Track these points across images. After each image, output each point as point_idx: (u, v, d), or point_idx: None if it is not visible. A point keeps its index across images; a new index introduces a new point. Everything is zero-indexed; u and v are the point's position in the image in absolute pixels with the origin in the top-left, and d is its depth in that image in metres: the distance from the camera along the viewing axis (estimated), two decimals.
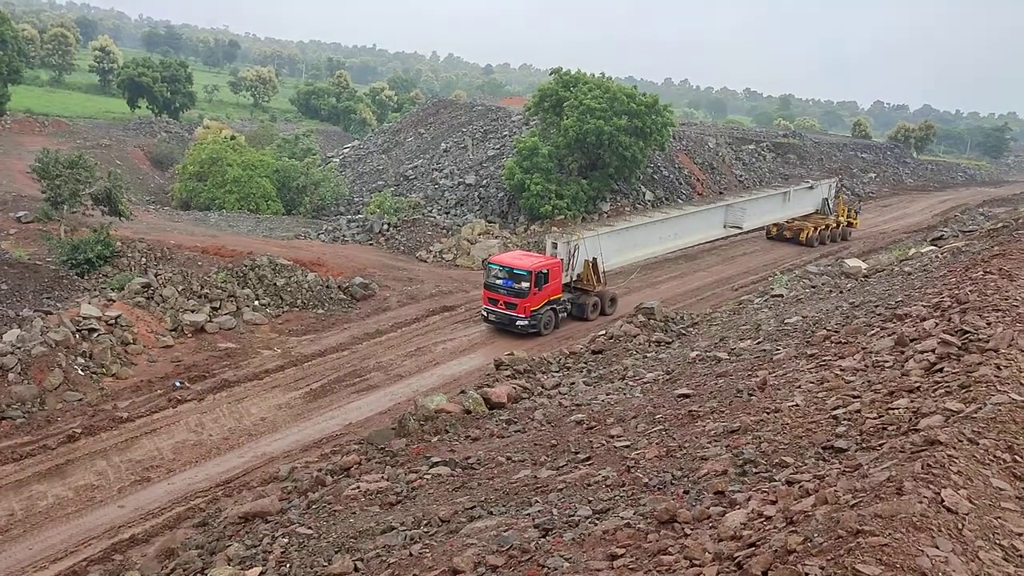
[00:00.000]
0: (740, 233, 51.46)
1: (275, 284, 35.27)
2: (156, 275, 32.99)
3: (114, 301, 30.47)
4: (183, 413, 25.04)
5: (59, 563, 17.57)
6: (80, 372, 25.87)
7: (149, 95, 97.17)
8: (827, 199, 59.35)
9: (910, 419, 8.69)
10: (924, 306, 14.68)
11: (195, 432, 24.04)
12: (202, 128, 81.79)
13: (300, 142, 76.50)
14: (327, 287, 36.74)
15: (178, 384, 26.74)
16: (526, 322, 33.72)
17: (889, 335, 13.48)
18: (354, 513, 11.91)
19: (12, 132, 76.39)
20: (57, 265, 35.78)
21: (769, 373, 13.96)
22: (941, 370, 10.36)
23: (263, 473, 21.42)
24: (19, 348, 24.99)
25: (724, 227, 48.81)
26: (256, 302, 34.08)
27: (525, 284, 33.48)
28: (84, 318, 27.62)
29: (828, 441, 9.14)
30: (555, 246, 36.29)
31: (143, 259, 38.01)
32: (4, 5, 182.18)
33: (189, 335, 30.61)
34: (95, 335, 27.24)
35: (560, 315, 35.49)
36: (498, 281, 34.19)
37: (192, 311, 31.50)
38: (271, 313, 33.91)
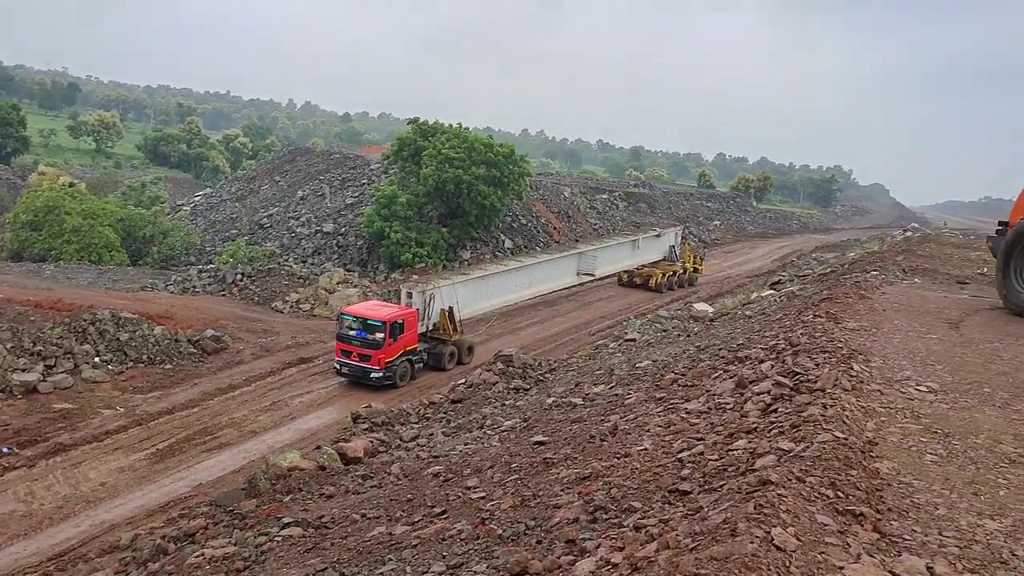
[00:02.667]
0: (593, 280, 52.98)
1: (118, 339, 33.37)
2: None
3: None
4: (11, 482, 23.09)
5: None
6: None
7: None
8: (674, 246, 62.23)
9: (747, 460, 9.10)
10: (762, 348, 15.49)
11: (24, 502, 22.19)
12: (37, 175, 77.05)
13: (147, 190, 73.37)
14: (176, 341, 35.10)
15: (5, 450, 24.67)
16: (380, 374, 33.13)
17: (731, 377, 14.12)
18: None
19: None
20: None
21: (621, 418, 14.30)
22: (776, 411, 10.92)
23: (102, 543, 19.97)
24: None
25: (577, 274, 50.17)
26: (97, 358, 32.12)
27: (379, 335, 32.99)
28: None
29: (674, 484, 9.42)
30: (410, 295, 36.07)
31: None
32: None
33: (19, 396, 28.38)
34: None
35: (416, 366, 35.13)
36: (351, 332, 33.54)
37: (23, 370, 29.30)
38: (113, 370, 32.03)
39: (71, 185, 66.42)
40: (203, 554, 12.12)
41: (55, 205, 57.37)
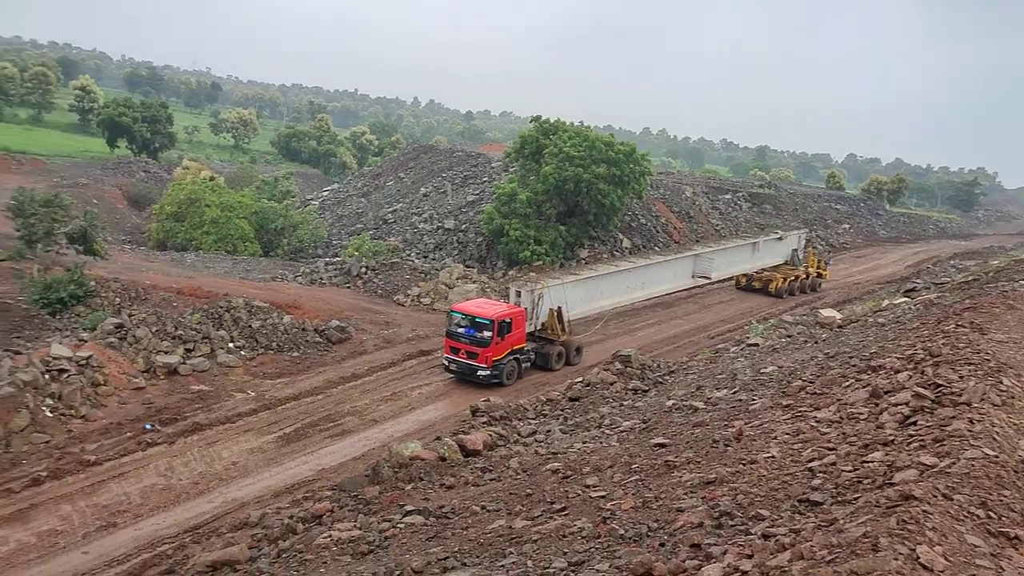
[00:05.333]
0: (710, 283, 51.65)
1: (250, 326, 34.97)
2: (130, 315, 32.59)
3: (86, 341, 30.04)
4: (152, 457, 24.59)
5: None
6: (48, 413, 25.36)
7: (129, 135, 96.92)
8: (796, 250, 59.92)
9: (885, 473, 8.71)
10: (898, 358, 14.80)
11: (164, 476, 23.59)
12: (181, 168, 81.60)
13: (279, 184, 76.56)
14: (303, 330, 36.45)
15: (149, 427, 26.28)
16: (488, 372, 33.13)
17: (863, 387, 13.56)
18: (325, 563, 11.69)
19: None
20: (29, 304, 35.27)
21: (745, 423, 13.95)
22: (915, 423, 10.41)
23: (233, 519, 20.99)
24: None
25: (692, 277, 48.93)
26: (231, 344, 33.74)
27: (487, 333, 32.96)
28: (54, 358, 27.17)
29: (804, 494, 9.12)
30: (519, 294, 35.96)
31: (117, 299, 37.54)
32: None
33: (161, 377, 30.18)
34: (65, 376, 26.77)
35: (523, 365, 34.94)
36: (460, 329, 33.70)
37: (165, 352, 31.12)
38: (245, 355, 33.57)
39: (211, 179, 70.01)
40: (330, 536, 12.56)
41: (196, 198, 60.70)
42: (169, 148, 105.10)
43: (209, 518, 21.46)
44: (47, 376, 26.33)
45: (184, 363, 31.10)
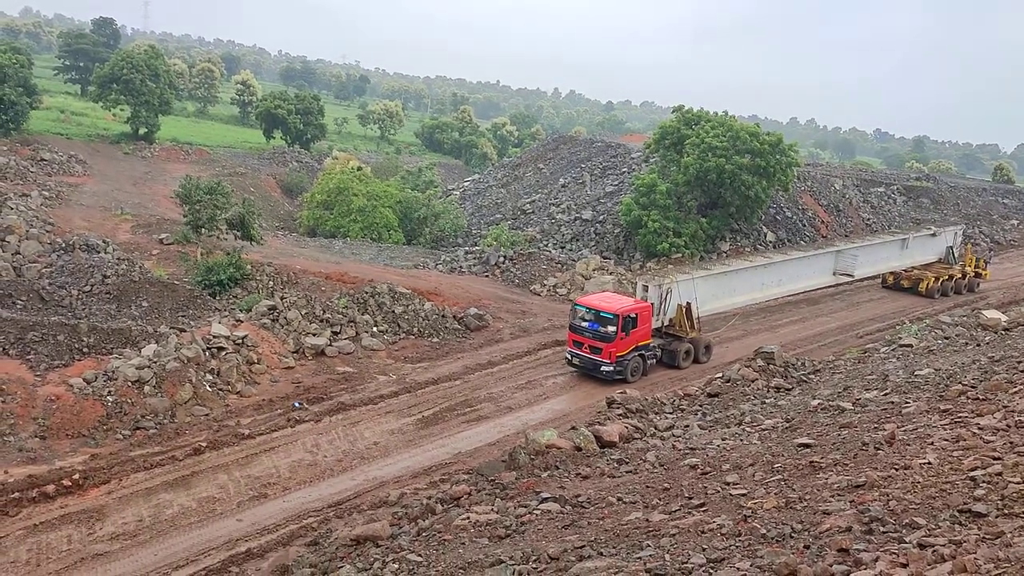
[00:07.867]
0: (853, 281, 48.95)
1: (393, 312, 36.13)
2: (282, 298, 34.36)
3: (242, 322, 31.89)
4: (300, 433, 25.88)
5: (180, 571, 18.39)
6: (208, 388, 27.16)
7: (283, 126, 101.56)
8: (951, 247, 55.93)
9: None
10: None
11: (311, 452, 24.78)
12: (331, 159, 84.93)
13: (423, 174, 78.49)
14: (443, 316, 37.34)
15: (297, 405, 27.67)
16: (611, 368, 32.38)
17: None
18: (463, 544, 11.96)
19: (159, 159, 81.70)
20: (192, 285, 37.71)
21: (898, 427, 13.25)
22: None
23: (373, 497, 21.88)
24: (155, 363, 26.47)
25: (834, 274, 46.48)
26: (374, 328, 34.97)
27: (611, 328, 32.15)
28: (214, 337, 29.03)
29: (965, 504, 8.57)
30: (646, 289, 34.96)
31: (270, 282, 39.63)
32: (159, 41, 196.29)
33: (310, 357, 31.68)
34: (223, 353, 28.57)
35: (649, 362, 34.01)
36: (584, 323, 33.04)
37: (314, 334, 32.62)
38: (388, 340, 34.71)
39: (359, 169, 72.57)
40: (468, 518, 12.83)
41: (345, 187, 63.14)
42: (320, 139, 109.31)
43: (351, 495, 22.39)
44: (207, 353, 28.17)
45: (331, 345, 32.51)
